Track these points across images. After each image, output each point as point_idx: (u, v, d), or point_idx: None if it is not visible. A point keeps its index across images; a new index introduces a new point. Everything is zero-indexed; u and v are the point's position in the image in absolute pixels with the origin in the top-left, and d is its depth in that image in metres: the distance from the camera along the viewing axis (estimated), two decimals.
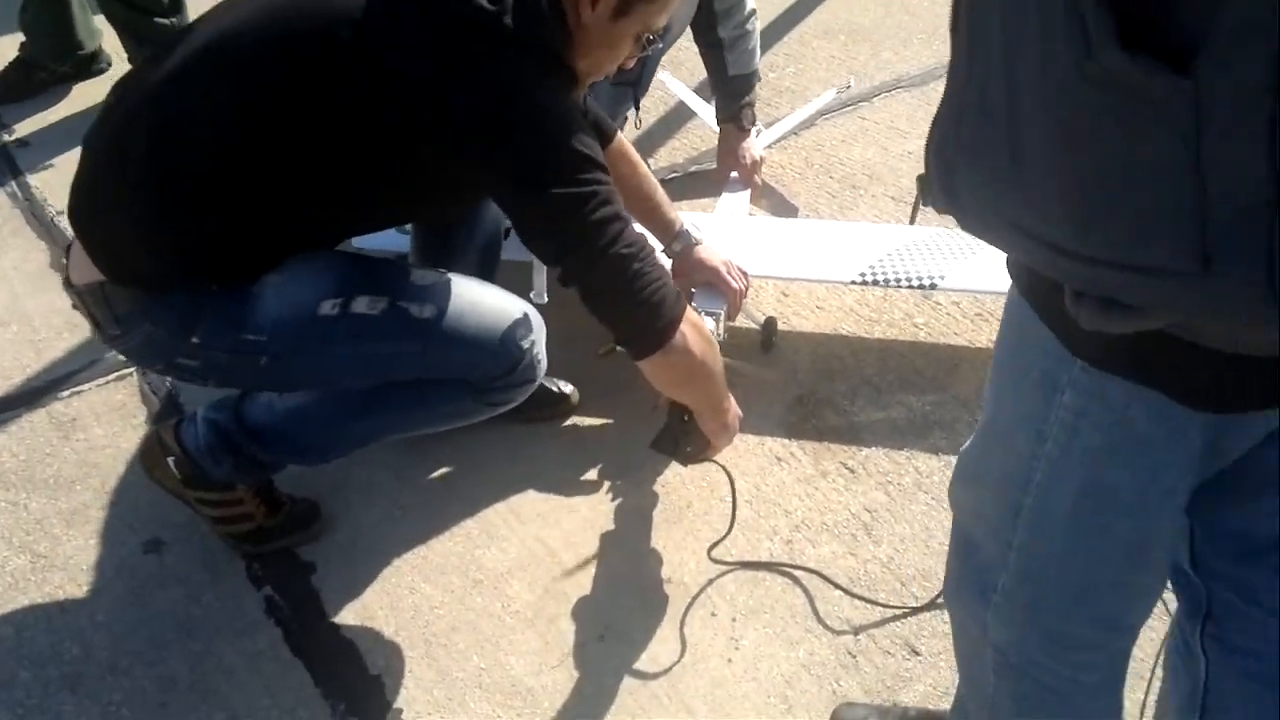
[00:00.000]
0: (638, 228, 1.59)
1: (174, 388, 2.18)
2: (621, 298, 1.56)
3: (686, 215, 2.10)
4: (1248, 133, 0.64)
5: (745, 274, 2.10)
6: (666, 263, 1.83)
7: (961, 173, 0.83)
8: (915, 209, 1.02)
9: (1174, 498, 1.00)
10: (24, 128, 3.06)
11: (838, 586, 1.80)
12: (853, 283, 2.19)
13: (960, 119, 0.82)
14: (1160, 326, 0.77)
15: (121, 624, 1.76)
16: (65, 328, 2.34)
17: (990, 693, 1.24)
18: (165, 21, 3.09)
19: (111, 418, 2.12)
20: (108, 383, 2.21)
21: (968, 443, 1.18)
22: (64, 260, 1.68)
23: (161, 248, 1.56)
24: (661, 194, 2.05)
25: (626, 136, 2.29)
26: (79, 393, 2.18)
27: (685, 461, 1.87)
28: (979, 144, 0.80)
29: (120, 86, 1.65)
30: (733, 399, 1.79)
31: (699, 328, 1.65)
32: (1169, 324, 0.78)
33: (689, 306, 1.64)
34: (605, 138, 1.91)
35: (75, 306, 1.67)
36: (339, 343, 1.63)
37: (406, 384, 1.74)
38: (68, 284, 1.66)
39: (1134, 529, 1.02)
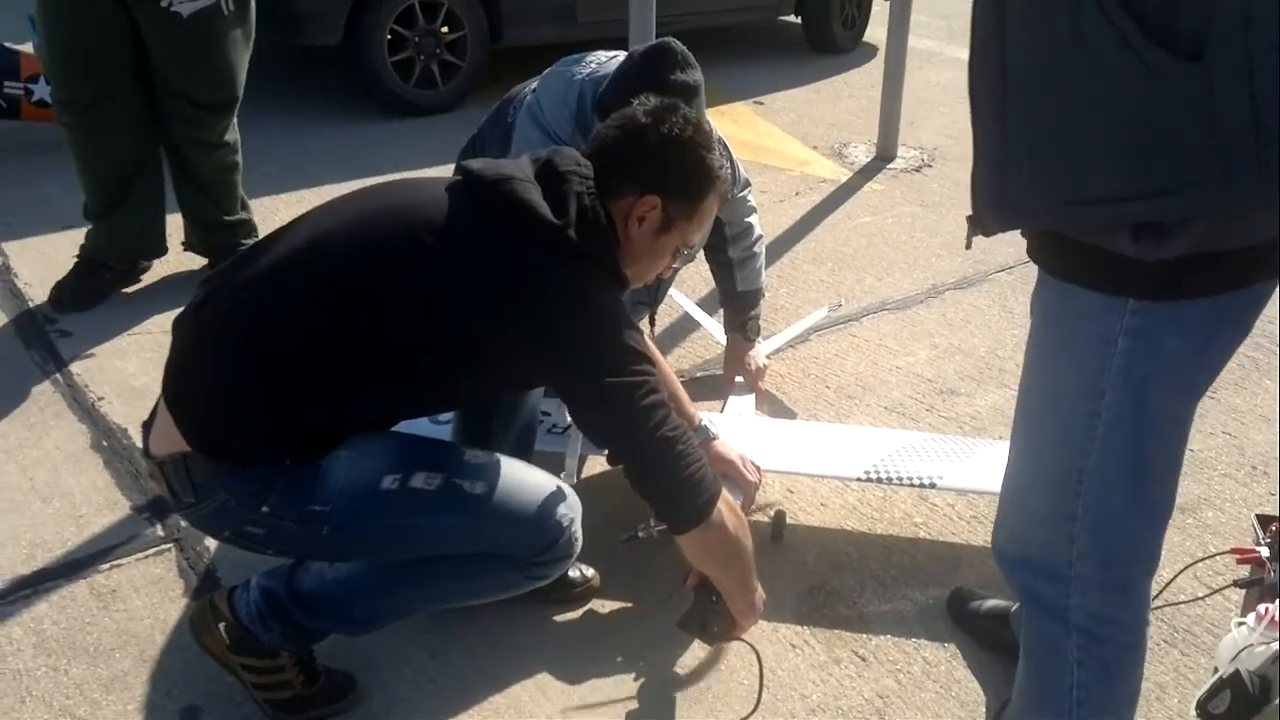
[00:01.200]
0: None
1: (212, 564, 2.27)
2: (667, 476, 1.71)
3: (701, 414, 2.27)
4: (1236, 89, 1.12)
5: (759, 469, 2.26)
6: None
7: (1013, 191, 1.31)
8: (969, 240, 1.43)
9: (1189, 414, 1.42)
10: (66, 320, 3.23)
11: None
12: (857, 479, 2.35)
13: (1003, 156, 1.30)
14: (1189, 249, 1.25)
15: None
16: (105, 505, 2.43)
17: (1077, 693, 1.50)
18: (233, 218, 3.40)
19: (150, 590, 2.20)
20: (146, 557, 2.29)
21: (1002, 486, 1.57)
22: (144, 435, 1.80)
23: (250, 424, 1.70)
24: (682, 391, 2.23)
25: None
26: (118, 566, 2.25)
27: (712, 641, 1.97)
28: (1028, 163, 1.27)
29: (212, 280, 1.82)
30: (758, 581, 1.91)
31: (734, 507, 1.80)
32: (1193, 247, 1.25)
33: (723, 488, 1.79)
34: None
35: (152, 475, 1.79)
36: (398, 515, 1.75)
37: (452, 557, 1.85)
38: (146, 455, 1.78)
39: (1170, 447, 1.42)
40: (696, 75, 2.33)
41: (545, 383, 1.92)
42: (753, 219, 2.82)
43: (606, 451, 1.77)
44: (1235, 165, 1.16)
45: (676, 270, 2.87)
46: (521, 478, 1.85)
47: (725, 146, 2.71)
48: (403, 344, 1.69)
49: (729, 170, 1.88)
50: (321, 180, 4.27)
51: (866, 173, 4.72)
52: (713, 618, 1.93)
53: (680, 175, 1.82)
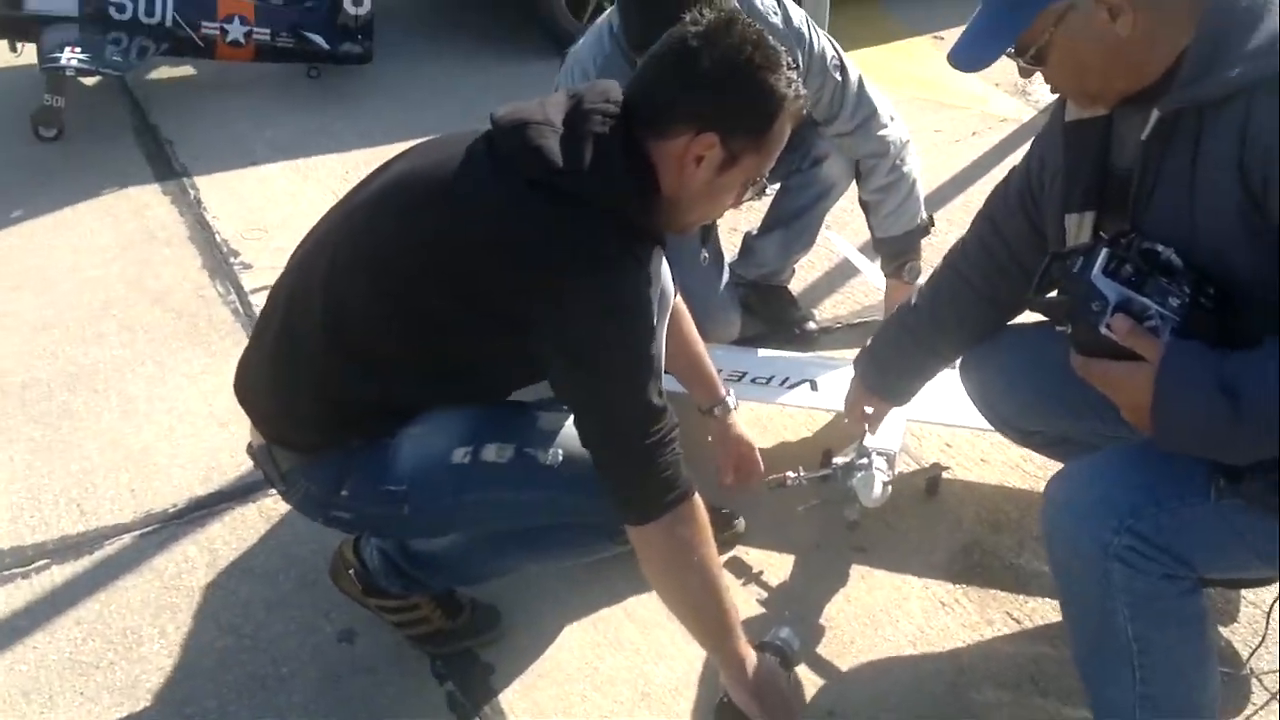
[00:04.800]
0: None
1: None
2: (633, 467, 1.57)
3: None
4: None
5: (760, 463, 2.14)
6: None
7: None
8: None
9: None
10: (248, 253, 3.38)
11: None
12: None
13: None
14: None
15: (316, 705, 1.89)
16: None
17: (1130, 639, 1.46)
18: None
19: None
20: None
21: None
22: None
23: (300, 413, 1.71)
24: (705, 359, 2.09)
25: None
26: None
27: None
28: None
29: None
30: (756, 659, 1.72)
31: (705, 525, 1.63)
32: None
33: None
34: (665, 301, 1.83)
35: (255, 466, 1.85)
36: (472, 490, 1.68)
37: (547, 525, 1.78)
38: (249, 446, 1.84)
39: None
40: None
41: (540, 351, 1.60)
42: (882, 158, 2.54)
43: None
44: None
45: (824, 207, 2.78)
46: None
47: (841, 67, 2.45)
48: (415, 309, 1.60)
49: (800, 84, 1.60)
50: None
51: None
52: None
53: (741, 107, 1.56)
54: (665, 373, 2.26)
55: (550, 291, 1.52)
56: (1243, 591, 2.04)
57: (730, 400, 2.11)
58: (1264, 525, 1.40)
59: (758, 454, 2.12)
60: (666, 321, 1.85)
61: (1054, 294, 1.42)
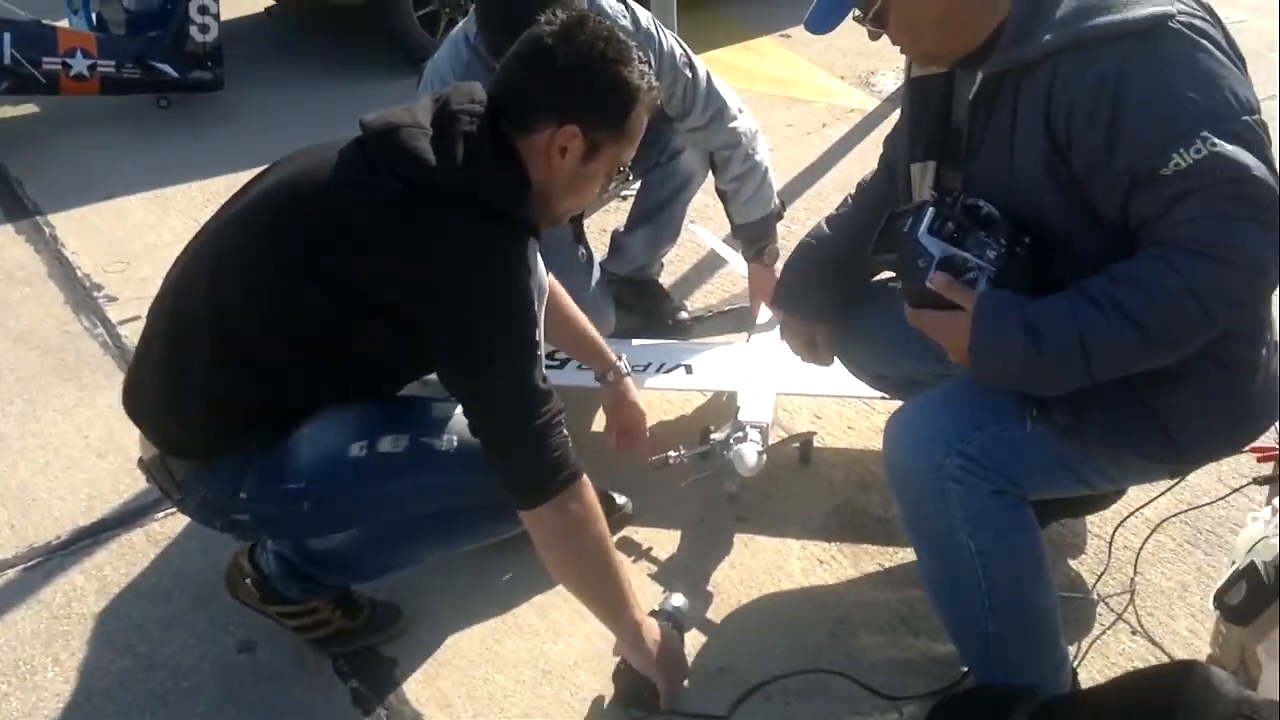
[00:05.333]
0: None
1: None
2: (523, 451, 1.64)
3: (723, 350, 2.25)
4: None
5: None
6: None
7: None
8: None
9: None
10: (112, 286, 3.34)
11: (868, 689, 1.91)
12: (883, 396, 2.39)
13: None
14: None
15: (220, 715, 1.91)
16: None
17: (973, 553, 1.61)
18: None
19: (202, 535, 2.27)
20: None
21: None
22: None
23: (189, 422, 1.75)
24: (591, 331, 2.17)
25: None
26: (172, 514, 2.35)
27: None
28: None
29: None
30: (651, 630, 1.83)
31: (595, 508, 1.72)
32: None
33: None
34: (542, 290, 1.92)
35: (148, 480, 1.87)
36: (370, 482, 1.73)
37: (447, 511, 1.83)
38: (140, 461, 1.86)
39: None
40: None
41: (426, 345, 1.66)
42: (735, 149, 2.65)
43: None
44: None
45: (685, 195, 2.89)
46: None
47: (690, 64, 2.56)
48: (299, 314, 1.65)
49: (652, 76, 1.71)
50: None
51: (895, 100, 4.67)
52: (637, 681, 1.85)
53: (597, 99, 1.65)
54: (565, 366, 2.36)
55: (432, 288, 1.59)
56: (1088, 524, 2.22)
57: (623, 365, 2.18)
58: (1075, 450, 1.57)
59: (645, 420, 2.21)
60: (543, 308, 1.93)
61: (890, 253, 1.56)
